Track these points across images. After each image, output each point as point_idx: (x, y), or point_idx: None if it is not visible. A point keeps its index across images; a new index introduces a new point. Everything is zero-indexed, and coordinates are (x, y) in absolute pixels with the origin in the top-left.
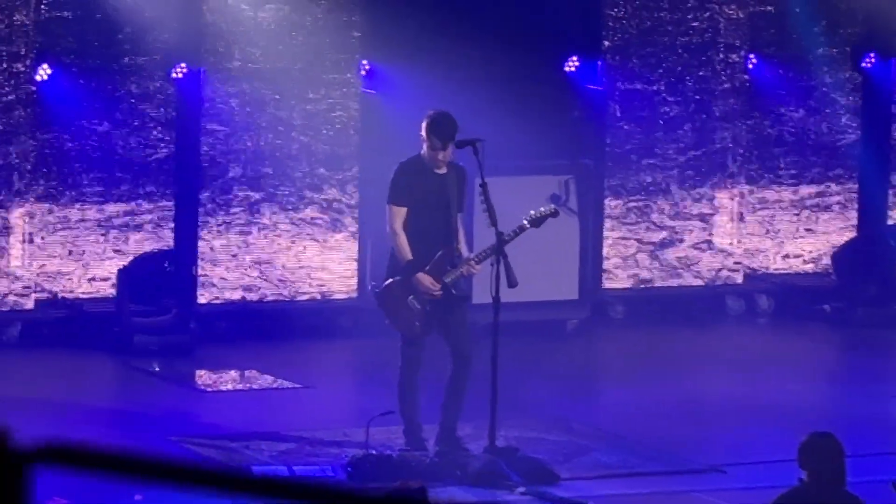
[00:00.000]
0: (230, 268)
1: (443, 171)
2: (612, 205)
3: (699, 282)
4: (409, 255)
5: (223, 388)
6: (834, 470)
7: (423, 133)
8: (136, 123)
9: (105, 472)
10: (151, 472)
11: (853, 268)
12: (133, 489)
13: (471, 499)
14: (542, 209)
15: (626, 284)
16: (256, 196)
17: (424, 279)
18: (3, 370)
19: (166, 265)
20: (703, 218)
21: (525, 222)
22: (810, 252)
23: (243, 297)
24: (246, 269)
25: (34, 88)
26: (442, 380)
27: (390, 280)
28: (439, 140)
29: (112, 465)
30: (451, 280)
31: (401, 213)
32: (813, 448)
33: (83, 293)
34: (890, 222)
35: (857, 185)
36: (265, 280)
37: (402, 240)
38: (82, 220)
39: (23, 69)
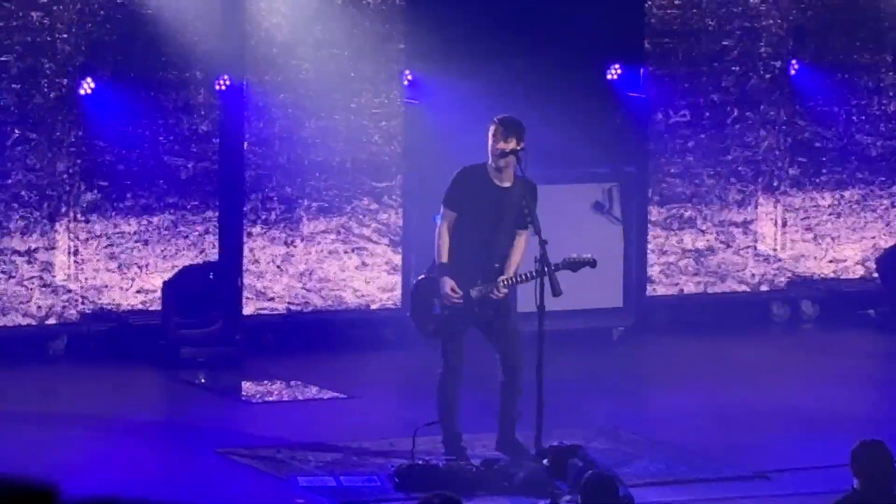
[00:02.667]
0: (275, 279)
1: (507, 184)
2: (655, 212)
3: (744, 288)
4: (444, 258)
5: (269, 399)
6: (884, 476)
7: (490, 133)
8: (179, 136)
9: None
10: None
11: None
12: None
13: None
14: (583, 256)
15: (671, 292)
16: (300, 207)
17: (447, 283)
18: (49, 383)
19: (211, 277)
20: (746, 224)
21: (560, 263)
22: (855, 257)
23: (288, 309)
24: (291, 281)
25: (77, 102)
26: (490, 389)
27: (422, 276)
28: (498, 124)
29: None
30: (476, 295)
31: (450, 216)
32: (863, 455)
33: (129, 306)
34: None
35: None
36: (309, 291)
37: (444, 242)
38: (127, 233)
39: (66, 83)
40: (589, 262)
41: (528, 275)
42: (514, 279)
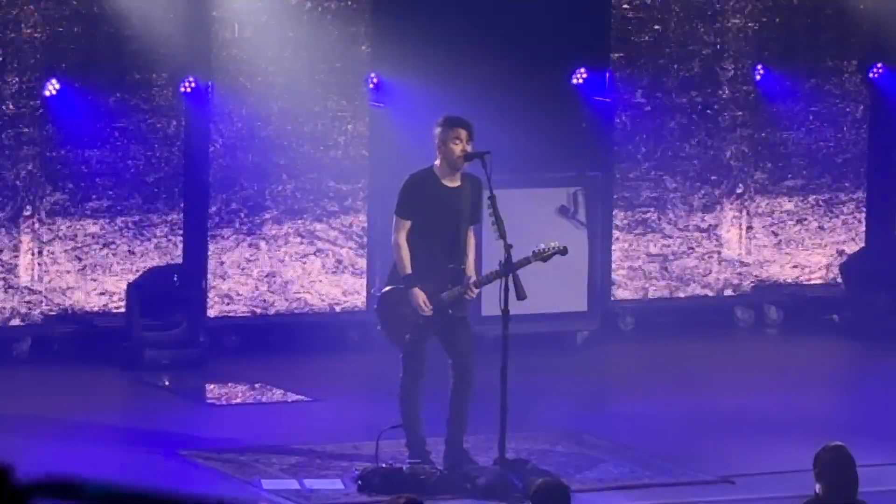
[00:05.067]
0: (239, 281)
1: (456, 183)
2: (620, 216)
3: (708, 293)
4: (408, 269)
5: (233, 401)
6: (845, 480)
7: (438, 133)
8: (144, 138)
9: None
10: None
11: (862, 278)
12: None
13: None
14: (551, 244)
15: (635, 296)
16: (265, 209)
17: (418, 295)
18: (13, 385)
19: (175, 279)
20: (711, 229)
21: (530, 256)
22: (819, 262)
23: (252, 311)
24: (255, 283)
25: (42, 104)
26: (446, 394)
27: (388, 287)
28: (460, 127)
29: (109, 499)
30: (448, 298)
31: (405, 225)
32: (825, 460)
33: (93, 308)
34: None
35: (865, 195)
36: (274, 293)
37: (404, 253)
38: (92, 235)
39: (31, 84)
40: (559, 251)
41: (497, 273)
42: (484, 279)
